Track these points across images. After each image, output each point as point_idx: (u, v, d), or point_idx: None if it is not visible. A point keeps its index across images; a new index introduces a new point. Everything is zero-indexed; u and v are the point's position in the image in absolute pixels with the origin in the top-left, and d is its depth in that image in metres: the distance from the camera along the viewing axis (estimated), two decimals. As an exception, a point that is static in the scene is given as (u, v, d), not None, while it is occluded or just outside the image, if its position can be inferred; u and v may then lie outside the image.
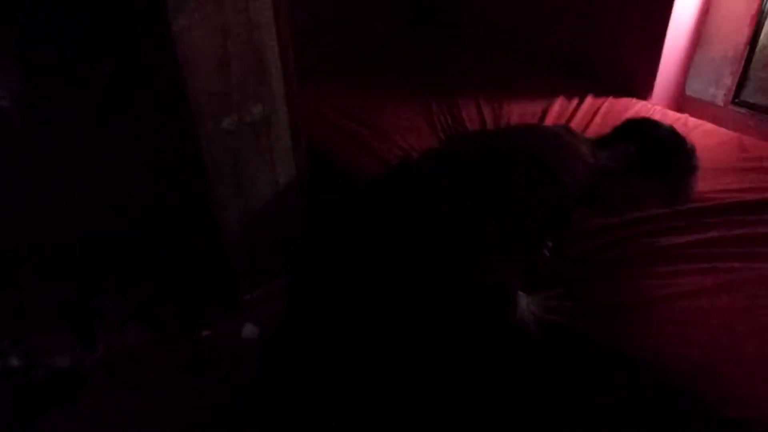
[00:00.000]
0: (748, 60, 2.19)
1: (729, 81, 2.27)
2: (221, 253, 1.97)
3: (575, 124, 2.06)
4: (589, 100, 2.21)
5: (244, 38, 1.67)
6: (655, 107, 2.21)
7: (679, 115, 2.17)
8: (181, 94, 1.60)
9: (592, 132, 1.96)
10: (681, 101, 2.43)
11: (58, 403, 1.73)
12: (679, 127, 1.60)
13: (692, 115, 2.20)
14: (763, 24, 2.11)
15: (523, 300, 1.40)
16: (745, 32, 2.16)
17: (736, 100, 2.28)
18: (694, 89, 2.39)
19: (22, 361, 1.76)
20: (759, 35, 2.14)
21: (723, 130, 2.05)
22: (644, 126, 1.46)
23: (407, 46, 2.77)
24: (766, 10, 2.09)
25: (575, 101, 2.21)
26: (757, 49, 2.16)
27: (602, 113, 2.14)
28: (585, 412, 1.45)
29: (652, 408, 1.33)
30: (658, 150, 1.38)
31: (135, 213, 2.07)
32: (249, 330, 2.02)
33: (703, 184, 1.55)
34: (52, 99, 1.72)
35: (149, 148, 1.94)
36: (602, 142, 1.47)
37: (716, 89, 2.32)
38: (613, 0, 2.25)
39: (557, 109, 2.16)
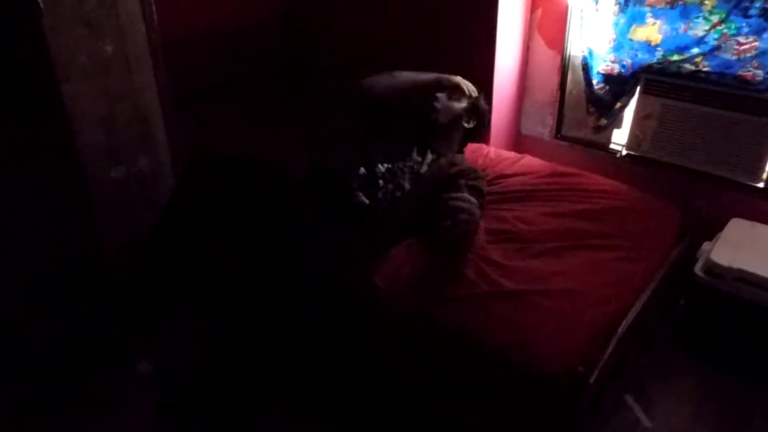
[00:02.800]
0: (561, 102, 2.71)
1: (551, 120, 2.77)
2: (112, 296, 2.11)
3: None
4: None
5: (129, 100, 1.92)
6: (491, 149, 2.59)
7: (509, 153, 2.55)
8: (71, 151, 1.81)
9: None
10: (518, 139, 2.90)
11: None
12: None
13: (528, 150, 2.64)
14: (567, 74, 2.64)
15: None
16: (556, 81, 2.68)
17: (558, 135, 2.78)
18: (527, 128, 2.88)
19: None
20: (565, 83, 2.66)
21: (536, 160, 2.46)
22: None
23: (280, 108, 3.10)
24: (566, 63, 2.62)
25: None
26: (566, 94, 2.68)
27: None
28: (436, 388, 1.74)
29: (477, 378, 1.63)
30: None
31: (24, 269, 2.17)
32: (143, 367, 2.14)
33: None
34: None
35: (41, 204, 2.08)
36: None
37: (543, 128, 2.81)
38: (447, 60, 2.70)
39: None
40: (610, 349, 1.59)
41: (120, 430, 1.93)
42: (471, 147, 2.45)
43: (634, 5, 2.30)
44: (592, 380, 1.48)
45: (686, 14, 2.19)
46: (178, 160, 2.12)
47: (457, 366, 1.64)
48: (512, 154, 2.48)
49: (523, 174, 2.26)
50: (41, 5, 1.64)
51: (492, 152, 2.48)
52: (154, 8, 1.93)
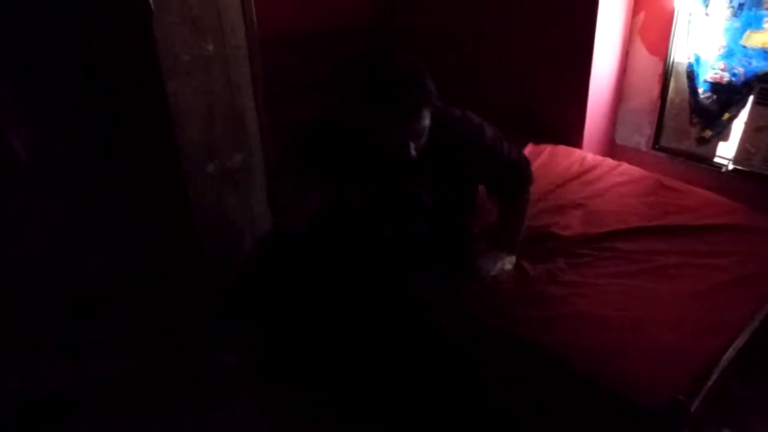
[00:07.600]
0: (662, 111, 2.55)
1: (648, 130, 2.62)
2: (204, 290, 2.19)
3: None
4: (529, 147, 2.54)
5: (227, 99, 1.97)
6: (587, 154, 2.52)
7: (605, 159, 2.48)
8: (171, 144, 1.89)
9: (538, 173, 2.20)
10: (612, 148, 2.77)
11: (52, 422, 1.90)
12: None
13: (622, 159, 2.53)
14: (669, 81, 2.49)
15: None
16: (656, 88, 2.53)
17: (656, 146, 2.62)
18: (621, 137, 2.75)
19: (21, 384, 1.94)
20: (667, 91, 2.51)
21: (636, 169, 2.36)
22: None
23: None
24: (669, 70, 2.47)
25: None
26: (667, 102, 2.53)
27: (543, 157, 2.46)
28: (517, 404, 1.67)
29: (569, 401, 1.55)
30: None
31: (126, 254, 2.29)
32: (229, 359, 2.21)
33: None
34: (60, 151, 1.99)
35: (142, 194, 2.19)
36: None
37: (639, 137, 2.67)
38: (544, 62, 2.62)
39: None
40: (712, 380, 1.47)
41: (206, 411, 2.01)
42: (563, 152, 2.36)
43: (750, 9, 2.14)
44: (692, 410, 1.38)
45: (812, 19, 2.01)
46: (269, 158, 2.17)
47: (548, 390, 1.57)
48: (610, 161, 2.38)
49: (623, 184, 2.15)
50: (152, 6, 1.71)
51: (590, 158, 2.39)
52: (253, 7, 1.97)
